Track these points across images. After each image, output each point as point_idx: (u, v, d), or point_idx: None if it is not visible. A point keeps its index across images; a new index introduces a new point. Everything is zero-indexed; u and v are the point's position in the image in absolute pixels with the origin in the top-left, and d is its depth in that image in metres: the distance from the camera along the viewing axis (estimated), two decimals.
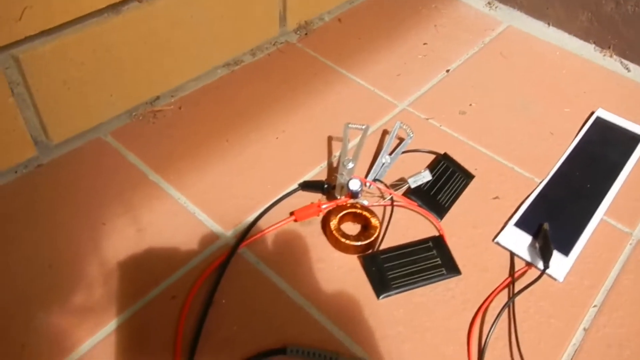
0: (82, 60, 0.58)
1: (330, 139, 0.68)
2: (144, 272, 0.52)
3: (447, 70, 0.81)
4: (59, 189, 0.59)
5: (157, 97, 0.70)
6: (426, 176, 0.59)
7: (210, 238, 0.56)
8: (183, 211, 0.58)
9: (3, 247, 0.53)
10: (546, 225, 0.57)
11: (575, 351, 0.50)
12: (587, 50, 0.86)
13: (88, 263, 0.53)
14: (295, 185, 0.62)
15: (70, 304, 0.49)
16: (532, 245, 0.57)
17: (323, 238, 0.57)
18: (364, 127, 0.64)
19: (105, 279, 0.52)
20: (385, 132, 0.70)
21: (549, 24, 0.89)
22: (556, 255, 0.56)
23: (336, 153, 0.66)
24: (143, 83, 0.67)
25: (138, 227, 0.56)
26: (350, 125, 0.64)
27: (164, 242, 0.55)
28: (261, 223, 0.58)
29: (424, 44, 0.85)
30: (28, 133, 0.59)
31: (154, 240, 0.55)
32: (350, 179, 0.56)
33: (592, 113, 0.74)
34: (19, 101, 0.56)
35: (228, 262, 0.54)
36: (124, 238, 0.55)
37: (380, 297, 0.52)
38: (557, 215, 0.60)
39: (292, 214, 0.58)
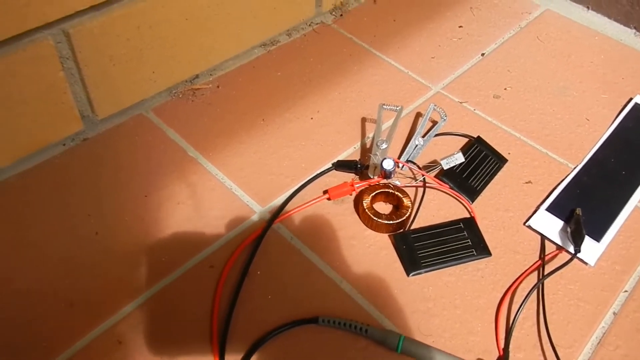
0: (127, 37, 0.60)
1: (364, 120, 0.69)
2: (183, 242, 0.55)
3: (482, 54, 0.80)
4: (104, 162, 0.62)
5: (197, 76, 0.72)
6: (459, 158, 0.59)
7: (246, 213, 0.58)
8: (220, 186, 0.61)
9: (53, 215, 0.56)
10: (579, 211, 0.58)
11: (604, 334, 0.50)
12: (626, 35, 0.84)
13: (131, 232, 0.55)
14: (329, 165, 0.63)
15: (114, 269, 0.52)
16: (563, 230, 0.57)
17: (355, 216, 0.59)
18: (398, 108, 0.64)
19: (147, 247, 0.54)
20: (418, 115, 0.70)
21: (588, 7, 0.88)
22: (588, 240, 0.56)
23: (369, 134, 0.67)
24: (183, 61, 0.69)
25: (178, 200, 0.59)
26: (384, 106, 0.65)
27: (202, 216, 0.57)
28: (295, 200, 0.60)
29: (459, 26, 0.84)
30: (76, 107, 0.61)
31: (192, 213, 0.57)
32: (384, 159, 0.57)
33: (630, 99, 0.73)
34: (68, 76, 0.58)
35: (263, 236, 0.56)
36: (165, 210, 0.58)
37: (411, 274, 0.53)
38: (590, 201, 0.60)
39: (325, 192, 0.60)
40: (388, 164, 0.57)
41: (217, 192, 0.60)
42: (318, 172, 0.62)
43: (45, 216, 0.56)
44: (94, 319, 0.49)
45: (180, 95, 0.70)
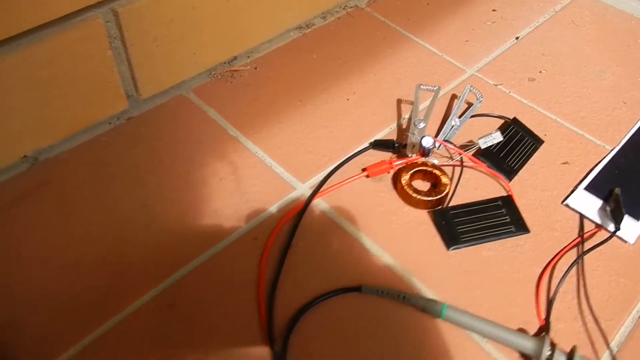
0: (171, 18, 0.62)
1: (399, 101, 0.70)
2: (226, 216, 0.57)
3: (517, 38, 0.80)
4: (148, 141, 0.64)
5: (235, 58, 0.73)
6: (497, 137, 0.60)
7: (287, 189, 0.60)
8: (261, 164, 0.62)
9: (101, 190, 0.58)
10: (618, 190, 0.58)
11: None
12: None
13: (177, 205, 0.57)
14: (365, 144, 0.64)
15: (162, 239, 0.54)
16: (602, 209, 0.57)
17: (393, 193, 0.60)
18: (435, 88, 0.65)
19: (192, 220, 0.56)
20: (453, 97, 0.71)
21: None
22: (627, 219, 0.56)
23: (405, 115, 0.68)
24: (222, 43, 0.70)
25: (220, 177, 0.60)
26: (421, 87, 0.66)
27: (243, 192, 0.59)
28: (334, 178, 0.61)
29: (493, 10, 0.85)
30: (122, 87, 0.63)
31: (234, 189, 0.59)
32: (423, 137, 0.58)
33: None
34: (115, 55, 0.60)
35: (304, 211, 0.57)
36: (208, 185, 0.59)
37: (450, 248, 0.54)
38: (629, 181, 0.60)
39: (364, 170, 0.61)
40: (427, 142, 0.57)
41: (257, 169, 0.61)
42: (356, 150, 0.63)
43: (93, 191, 0.58)
44: (145, 284, 0.51)
45: (219, 77, 0.72)
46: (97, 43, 0.58)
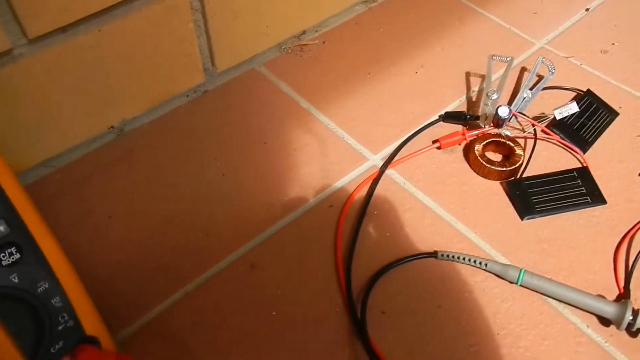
0: None
1: (468, 74, 0.70)
2: (303, 184, 0.59)
3: (587, 9, 0.79)
4: (224, 112, 0.66)
5: (304, 32, 0.75)
6: (572, 108, 0.59)
7: (360, 159, 0.61)
8: (334, 135, 0.64)
9: (183, 158, 0.61)
10: None
11: None
12: None
13: (255, 173, 0.60)
14: (435, 117, 0.65)
15: (244, 204, 0.57)
16: None
17: (465, 165, 0.60)
18: (508, 59, 0.65)
19: (271, 186, 0.58)
20: (523, 70, 0.70)
21: None
22: None
23: (475, 88, 0.68)
24: (292, 17, 0.72)
25: (295, 147, 0.62)
26: (494, 57, 0.65)
27: (318, 162, 0.61)
28: (406, 149, 0.62)
29: None
30: (200, 60, 0.66)
31: (309, 159, 0.61)
32: (499, 106, 0.58)
33: None
34: (196, 28, 0.63)
35: (378, 180, 0.59)
36: (284, 155, 0.62)
37: (525, 218, 0.55)
38: None
39: (435, 141, 0.62)
40: (503, 111, 0.58)
41: (331, 140, 0.63)
42: (426, 122, 0.64)
43: (176, 159, 0.61)
44: (229, 245, 0.54)
45: (289, 51, 0.74)
46: (180, 15, 0.61)
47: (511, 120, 0.63)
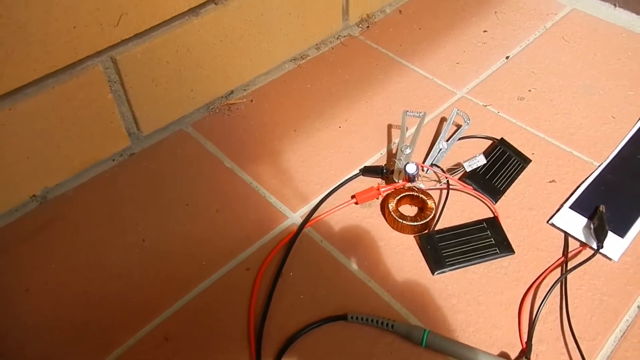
0: (167, 60, 0.66)
1: (390, 126, 0.72)
2: (221, 247, 0.59)
3: (507, 57, 0.82)
4: (149, 175, 0.67)
5: (232, 92, 0.77)
6: (480, 160, 0.61)
7: (279, 218, 0.62)
8: (255, 194, 0.65)
9: (105, 224, 0.62)
10: (602, 207, 0.59)
11: (628, 327, 0.51)
12: None
13: (175, 238, 0.60)
14: (356, 171, 0.66)
15: (160, 272, 0.57)
16: (587, 227, 0.58)
17: (382, 219, 0.62)
18: (421, 114, 0.67)
19: (190, 252, 0.59)
20: (443, 120, 0.73)
21: (615, 4, 0.88)
22: (611, 236, 0.57)
23: (395, 140, 0.70)
24: (219, 79, 0.74)
25: (216, 208, 0.63)
26: (408, 113, 0.68)
27: (238, 221, 0.62)
28: (325, 205, 0.63)
29: (484, 31, 0.86)
30: (123, 125, 0.67)
31: (229, 219, 0.62)
32: (407, 163, 0.60)
33: None
34: (116, 97, 0.64)
35: (295, 240, 0.60)
36: (205, 217, 0.62)
37: (435, 272, 0.56)
38: (615, 198, 0.61)
39: (353, 197, 0.63)
40: (411, 168, 0.59)
41: (251, 200, 0.64)
42: (346, 178, 0.66)
43: (97, 226, 0.62)
44: (144, 317, 0.54)
45: (217, 110, 0.75)
46: (97, 88, 0.62)
47: (428, 173, 0.65)
